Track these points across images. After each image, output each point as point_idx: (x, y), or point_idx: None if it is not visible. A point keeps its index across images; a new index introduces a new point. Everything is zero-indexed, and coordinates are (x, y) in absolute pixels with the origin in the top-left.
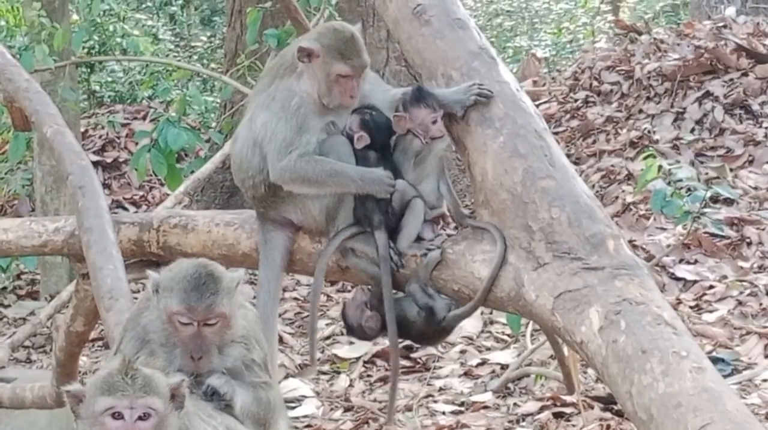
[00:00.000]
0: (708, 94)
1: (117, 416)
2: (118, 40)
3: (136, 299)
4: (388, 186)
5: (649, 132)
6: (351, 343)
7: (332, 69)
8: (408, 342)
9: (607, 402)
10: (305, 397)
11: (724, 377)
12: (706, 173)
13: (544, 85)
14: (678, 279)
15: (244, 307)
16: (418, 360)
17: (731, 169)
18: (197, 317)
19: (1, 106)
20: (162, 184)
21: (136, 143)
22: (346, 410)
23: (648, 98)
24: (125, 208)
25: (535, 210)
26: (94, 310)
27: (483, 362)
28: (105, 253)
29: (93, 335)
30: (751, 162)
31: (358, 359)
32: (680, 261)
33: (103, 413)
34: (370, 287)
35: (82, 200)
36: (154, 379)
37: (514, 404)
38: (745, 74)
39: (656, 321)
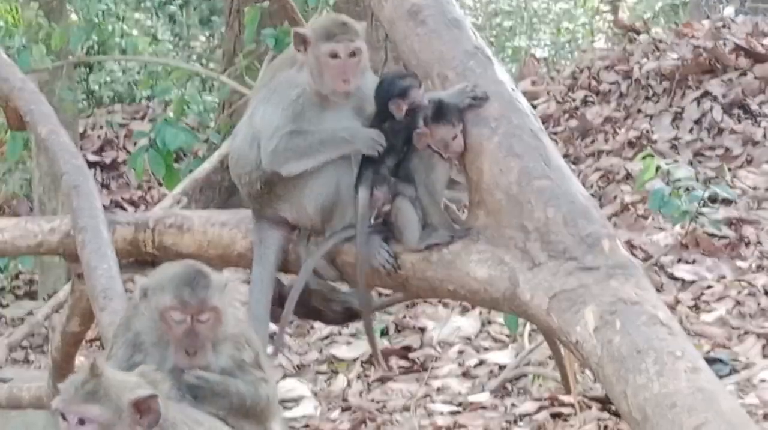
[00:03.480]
0: (707, 93)
1: (63, 417)
2: (117, 40)
3: (131, 299)
4: (377, 143)
5: (647, 132)
6: (349, 343)
7: (320, 51)
8: (406, 343)
9: (605, 402)
10: (303, 397)
11: (722, 377)
12: (705, 173)
13: (546, 84)
14: (676, 279)
15: (233, 307)
16: (416, 360)
17: (730, 169)
18: (190, 310)
19: None
20: (161, 185)
21: (135, 143)
22: (344, 410)
23: (647, 98)
24: (124, 209)
25: (531, 210)
26: (89, 310)
27: (481, 362)
28: (99, 252)
29: (90, 335)
30: (749, 162)
31: (355, 359)
32: (678, 261)
33: (54, 412)
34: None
35: (76, 200)
36: (107, 387)
37: (512, 404)
38: (744, 74)
39: (651, 321)
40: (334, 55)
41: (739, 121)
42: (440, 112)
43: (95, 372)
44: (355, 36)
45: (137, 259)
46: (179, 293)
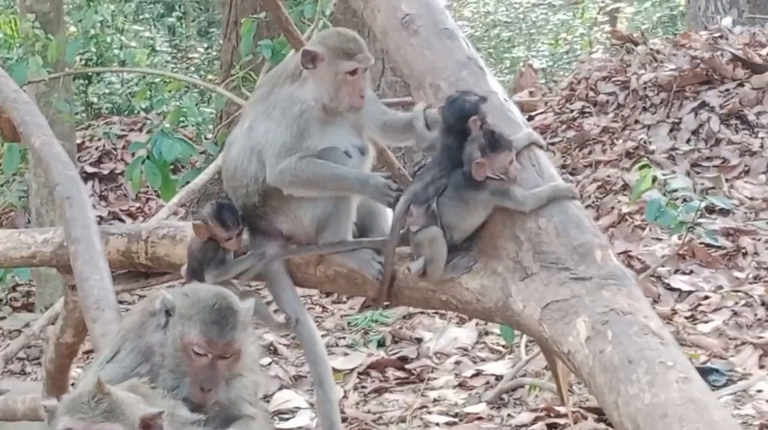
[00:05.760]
0: (704, 104)
1: None
2: (116, 51)
3: (125, 310)
4: (388, 195)
5: (645, 142)
6: (346, 354)
7: (339, 68)
8: (403, 353)
9: (601, 413)
10: (299, 408)
11: (719, 387)
12: (702, 184)
13: (544, 95)
14: (673, 289)
15: (253, 335)
16: (413, 371)
17: (727, 180)
18: (216, 351)
19: None
20: (158, 196)
21: (133, 155)
22: (341, 421)
23: (644, 109)
24: (122, 220)
25: (523, 220)
26: (83, 321)
27: (477, 373)
28: (92, 263)
29: (87, 346)
30: (746, 172)
31: (352, 370)
32: (676, 271)
33: None
34: None
35: (69, 211)
36: (121, 405)
37: (508, 415)
38: (741, 84)
39: (643, 331)
40: (354, 72)
41: (737, 132)
42: (495, 140)
43: (104, 390)
44: (367, 51)
45: (130, 270)
46: (207, 330)
